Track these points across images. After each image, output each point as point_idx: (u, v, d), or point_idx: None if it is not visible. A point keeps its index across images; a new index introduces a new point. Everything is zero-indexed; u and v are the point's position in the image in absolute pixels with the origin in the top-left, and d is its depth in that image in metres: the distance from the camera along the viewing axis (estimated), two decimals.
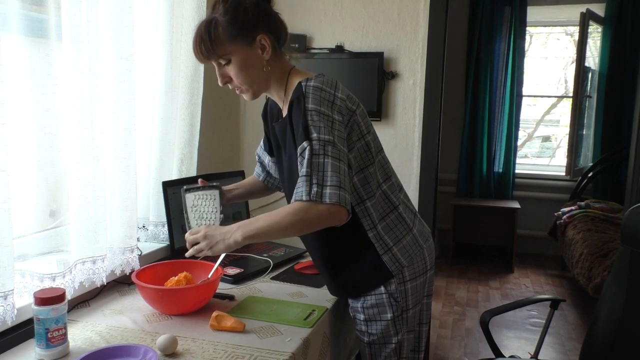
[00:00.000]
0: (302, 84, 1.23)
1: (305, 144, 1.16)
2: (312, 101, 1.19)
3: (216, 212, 1.45)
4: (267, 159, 1.61)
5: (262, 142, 1.61)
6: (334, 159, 1.15)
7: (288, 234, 1.21)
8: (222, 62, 1.27)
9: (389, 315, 1.34)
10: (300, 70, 1.34)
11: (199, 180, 1.51)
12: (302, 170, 1.16)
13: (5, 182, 1.13)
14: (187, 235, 1.32)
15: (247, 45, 1.24)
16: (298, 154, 1.19)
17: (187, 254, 1.33)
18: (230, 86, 1.32)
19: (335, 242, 1.34)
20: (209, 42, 1.23)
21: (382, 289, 1.33)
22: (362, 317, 1.37)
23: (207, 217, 1.45)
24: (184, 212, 1.45)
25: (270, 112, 1.47)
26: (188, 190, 1.45)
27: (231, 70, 1.27)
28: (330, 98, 1.22)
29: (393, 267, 1.31)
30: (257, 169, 1.66)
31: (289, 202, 1.40)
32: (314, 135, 1.16)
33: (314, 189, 1.13)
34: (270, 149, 1.56)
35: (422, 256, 1.38)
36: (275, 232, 1.20)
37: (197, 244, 1.29)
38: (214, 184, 1.50)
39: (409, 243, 1.35)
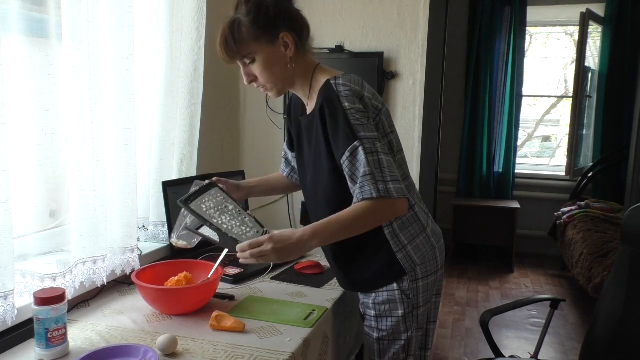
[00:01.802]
0: (332, 82, 1.25)
1: (357, 143, 1.20)
2: (347, 100, 1.22)
3: (233, 206, 1.35)
4: (290, 154, 1.61)
5: (287, 139, 1.62)
6: (384, 154, 1.21)
7: (360, 232, 1.24)
8: (247, 61, 1.29)
9: (400, 312, 1.35)
10: (326, 68, 1.36)
11: (194, 182, 1.42)
12: (361, 169, 1.19)
13: (5, 182, 1.13)
14: (244, 246, 1.20)
15: (270, 44, 1.26)
16: (347, 153, 1.21)
17: (247, 252, 1.21)
18: (255, 85, 1.34)
19: (352, 240, 1.34)
20: (233, 43, 1.25)
21: (395, 285, 1.34)
22: (372, 313, 1.38)
23: (231, 218, 1.32)
24: (202, 225, 1.28)
25: (294, 108, 1.48)
26: (188, 201, 1.30)
27: (256, 69, 1.30)
28: (361, 95, 1.26)
29: (407, 264, 1.33)
30: (282, 164, 1.66)
31: (307, 194, 1.44)
32: (361, 134, 1.20)
33: (380, 185, 1.17)
34: (291, 144, 1.56)
35: (434, 255, 1.39)
36: (349, 232, 1.23)
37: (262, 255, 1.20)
38: (205, 182, 1.40)
39: (422, 242, 1.36)
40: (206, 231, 1.29)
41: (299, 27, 1.30)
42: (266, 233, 1.27)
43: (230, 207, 1.35)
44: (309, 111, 1.37)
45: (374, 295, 1.37)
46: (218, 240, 1.27)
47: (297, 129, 1.44)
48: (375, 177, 1.18)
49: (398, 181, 1.19)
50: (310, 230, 1.21)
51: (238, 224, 1.31)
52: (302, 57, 1.32)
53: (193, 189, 1.35)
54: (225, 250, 1.40)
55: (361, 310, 1.43)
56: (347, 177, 1.24)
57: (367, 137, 1.20)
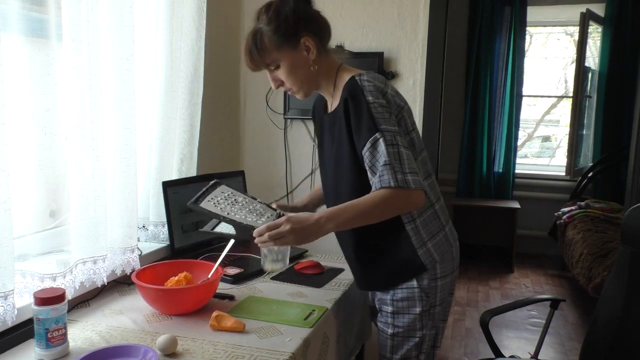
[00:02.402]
0: (356, 78, 1.29)
1: (377, 135, 1.22)
2: (371, 94, 1.26)
3: (242, 197, 1.36)
4: None
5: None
6: (404, 147, 1.23)
7: (375, 220, 1.26)
8: (272, 67, 1.34)
9: (418, 310, 1.36)
10: (349, 67, 1.39)
11: (214, 182, 1.43)
12: (381, 159, 1.21)
13: (5, 182, 1.13)
14: (262, 230, 1.22)
15: (293, 49, 1.31)
16: (368, 144, 1.23)
17: (265, 235, 1.22)
18: (283, 88, 1.39)
19: (373, 234, 1.36)
20: (256, 52, 1.31)
21: (415, 283, 1.35)
22: (389, 309, 1.39)
23: (242, 208, 1.34)
24: (217, 224, 1.32)
25: (317, 109, 1.52)
26: (198, 202, 1.34)
27: (281, 74, 1.35)
28: (384, 92, 1.29)
29: (427, 261, 1.34)
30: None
31: (328, 192, 1.46)
32: (383, 126, 1.23)
33: (399, 176, 1.19)
34: None
35: (452, 256, 1.41)
36: (364, 219, 1.24)
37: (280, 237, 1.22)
38: (210, 183, 1.42)
39: (441, 240, 1.38)
40: (222, 227, 1.32)
41: (319, 30, 1.34)
42: (280, 215, 1.29)
43: (240, 199, 1.37)
44: (332, 109, 1.40)
45: (392, 291, 1.38)
46: (235, 233, 1.30)
47: (320, 127, 1.48)
48: (394, 168, 1.20)
49: (416, 174, 1.21)
50: (327, 214, 1.23)
51: (251, 211, 1.33)
52: (325, 58, 1.37)
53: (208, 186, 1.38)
54: (226, 250, 1.42)
55: (377, 305, 1.45)
56: (367, 169, 1.25)
57: (388, 130, 1.23)
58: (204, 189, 1.38)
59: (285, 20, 1.28)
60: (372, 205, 1.21)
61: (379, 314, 1.44)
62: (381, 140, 1.22)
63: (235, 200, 1.36)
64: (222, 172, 2.10)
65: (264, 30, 1.29)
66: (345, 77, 1.33)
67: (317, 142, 1.52)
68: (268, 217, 1.33)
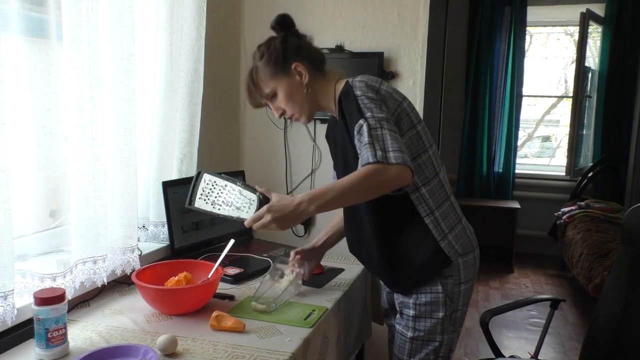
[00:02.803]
0: (349, 81, 1.34)
1: (361, 121, 1.23)
2: (359, 90, 1.29)
3: (224, 182, 1.37)
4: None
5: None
6: (390, 131, 1.22)
7: (359, 199, 1.25)
8: (270, 96, 1.42)
9: (441, 314, 1.37)
10: (347, 77, 1.41)
11: (221, 175, 1.43)
12: (364, 140, 1.21)
13: (5, 182, 1.13)
14: (249, 223, 1.25)
15: (286, 76, 1.38)
16: (355, 133, 1.24)
17: (252, 226, 1.25)
18: (286, 117, 1.45)
19: (394, 232, 1.37)
20: (253, 87, 1.41)
21: (440, 287, 1.36)
22: (411, 312, 1.39)
23: (228, 196, 1.36)
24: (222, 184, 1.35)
25: (330, 128, 1.57)
26: (191, 203, 1.38)
27: (281, 102, 1.41)
28: (376, 88, 1.32)
29: (451, 252, 1.35)
30: None
31: None
32: (368, 114, 1.24)
33: (379, 152, 1.18)
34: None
35: (474, 261, 1.43)
36: (347, 198, 1.23)
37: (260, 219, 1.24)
38: (196, 174, 1.41)
39: (460, 232, 1.40)
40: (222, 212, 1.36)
41: (309, 55, 1.41)
42: (261, 197, 1.29)
43: (224, 184, 1.37)
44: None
45: (415, 295, 1.39)
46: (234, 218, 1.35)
47: (333, 141, 1.51)
48: (375, 146, 1.19)
49: (400, 151, 1.19)
50: (307, 197, 1.22)
51: (237, 199, 1.34)
52: (320, 79, 1.42)
53: (222, 179, 1.38)
54: (225, 251, 1.44)
55: (397, 307, 1.45)
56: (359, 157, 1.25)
57: (374, 117, 1.23)
58: (192, 185, 1.39)
59: (275, 50, 1.38)
60: (353, 183, 1.19)
61: (399, 316, 1.44)
62: (364, 125, 1.22)
63: (221, 188, 1.37)
64: (222, 172, 2.10)
65: (258, 65, 1.40)
66: (342, 86, 1.37)
67: (332, 155, 1.55)
68: (252, 203, 1.33)
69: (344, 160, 1.41)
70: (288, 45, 1.39)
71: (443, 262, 1.35)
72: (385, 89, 1.34)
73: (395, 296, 1.47)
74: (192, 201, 1.37)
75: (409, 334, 1.40)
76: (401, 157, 1.18)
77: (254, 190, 1.32)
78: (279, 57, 1.38)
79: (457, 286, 1.38)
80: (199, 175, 1.39)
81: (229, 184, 1.36)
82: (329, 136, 1.58)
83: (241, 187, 1.34)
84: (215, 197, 1.36)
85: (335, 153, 1.51)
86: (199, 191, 1.38)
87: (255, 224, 1.23)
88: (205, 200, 1.37)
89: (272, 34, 1.42)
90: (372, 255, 1.44)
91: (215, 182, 1.38)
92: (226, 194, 1.36)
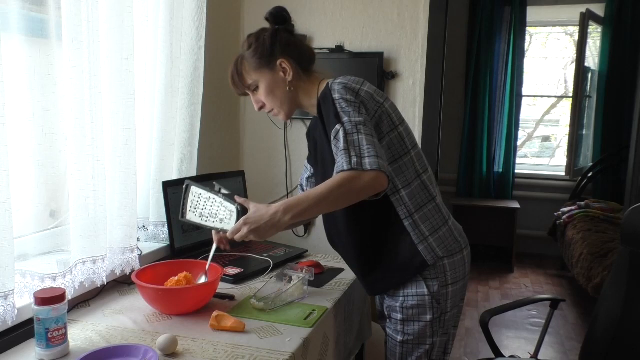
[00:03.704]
0: (329, 82, 1.33)
1: (338, 126, 1.23)
2: (337, 92, 1.28)
3: (208, 195, 1.40)
4: (306, 175, 1.65)
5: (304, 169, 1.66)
6: (367, 135, 1.21)
7: (334, 207, 1.24)
8: (252, 89, 1.42)
9: (429, 317, 1.35)
10: (330, 77, 1.40)
11: (212, 183, 1.49)
12: (340, 146, 1.21)
13: (5, 182, 1.13)
14: (230, 236, 1.28)
15: (270, 70, 1.38)
16: (332, 138, 1.24)
17: (234, 237, 1.28)
18: (265, 110, 1.45)
19: (371, 234, 1.36)
20: (237, 76, 1.41)
21: (425, 290, 1.34)
22: (399, 316, 1.38)
23: (212, 208, 1.40)
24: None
25: (311, 128, 1.55)
26: (183, 216, 1.44)
27: (261, 95, 1.41)
28: (356, 90, 1.30)
29: (429, 256, 1.33)
30: (299, 187, 1.70)
31: None
32: (345, 119, 1.23)
33: (354, 159, 1.18)
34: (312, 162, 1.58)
35: (463, 262, 1.40)
36: (322, 207, 1.22)
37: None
38: (184, 187, 1.46)
39: (445, 235, 1.36)
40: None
41: (298, 54, 1.40)
42: (239, 209, 1.32)
43: (208, 196, 1.40)
44: None
45: (402, 299, 1.37)
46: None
47: (313, 140, 1.50)
48: (350, 153, 1.18)
49: (376, 157, 1.17)
50: (283, 207, 1.22)
51: (219, 211, 1.38)
52: (304, 79, 1.41)
53: (209, 190, 1.42)
54: (211, 255, 1.48)
55: (385, 312, 1.43)
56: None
57: (350, 121, 1.22)
58: (182, 198, 1.45)
59: (262, 43, 1.37)
60: (327, 191, 1.18)
61: (388, 321, 1.43)
62: (341, 130, 1.21)
63: (206, 200, 1.41)
64: (222, 172, 2.10)
65: (245, 55, 1.39)
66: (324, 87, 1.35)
67: (312, 157, 1.53)
68: (231, 214, 1.36)
69: (322, 163, 1.40)
70: (278, 40, 1.37)
71: (419, 266, 1.33)
72: (367, 90, 1.32)
73: (383, 300, 1.46)
74: (183, 214, 1.44)
75: (399, 338, 1.39)
76: (376, 162, 1.17)
77: (233, 202, 1.35)
78: (266, 50, 1.37)
79: (443, 288, 1.35)
80: (187, 188, 1.45)
81: (212, 195, 1.40)
82: (309, 134, 1.56)
83: (222, 198, 1.38)
84: (202, 209, 1.41)
85: (314, 153, 1.50)
86: (189, 204, 1.44)
87: (235, 237, 1.25)
88: (194, 212, 1.43)
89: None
90: (348, 252, 1.44)
91: (200, 194, 1.43)
92: (211, 206, 1.40)
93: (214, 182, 1.49)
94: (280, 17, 1.39)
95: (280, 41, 1.37)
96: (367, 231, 1.36)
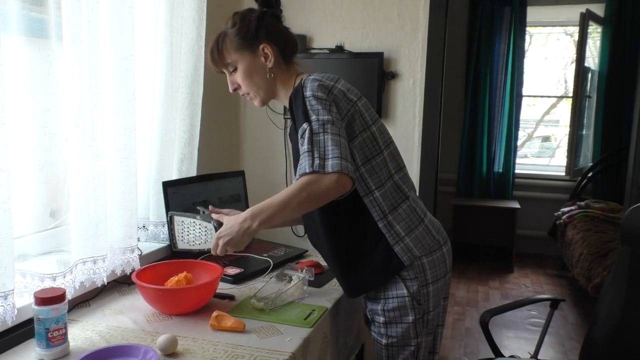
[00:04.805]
0: (304, 78, 1.31)
1: (305, 125, 1.22)
2: (309, 89, 1.26)
3: (189, 220, 1.49)
4: None
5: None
6: (333, 134, 1.20)
7: (300, 211, 1.24)
8: (230, 69, 1.39)
9: (411, 318, 1.33)
10: (307, 73, 1.38)
11: (197, 209, 1.53)
12: (304, 147, 1.20)
13: (5, 182, 1.13)
14: (213, 252, 1.33)
15: (251, 54, 1.35)
16: (299, 136, 1.23)
17: (216, 253, 1.33)
18: (240, 93, 1.42)
19: (346, 236, 1.35)
20: (217, 52, 1.38)
21: (405, 291, 1.32)
22: (381, 319, 1.36)
23: (194, 230, 1.49)
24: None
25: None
26: (176, 245, 1.54)
27: (238, 77, 1.38)
28: (329, 87, 1.28)
29: (405, 257, 1.31)
30: None
31: None
32: (313, 117, 1.22)
33: (316, 161, 1.17)
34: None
35: (443, 258, 1.38)
36: (287, 212, 1.21)
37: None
38: (168, 218, 1.57)
39: (421, 233, 1.34)
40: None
41: (282, 42, 1.37)
42: (215, 225, 1.39)
43: (190, 221, 1.49)
44: None
45: (382, 301, 1.35)
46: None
47: (291, 139, 1.48)
48: (313, 154, 1.17)
49: (339, 158, 1.16)
50: (250, 214, 1.23)
51: (201, 232, 1.46)
52: (285, 69, 1.39)
53: (195, 216, 1.49)
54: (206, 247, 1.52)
55: (369, 316, 1.42)
56: None
57: (318, 120, 1.21)
58: (169, 230, 1.54)
59: (247, 24, 1.34)
60: (291, 196, 1.18)
61: (372, 324, 1.41)
62: (307, 130, 1.20)
63: (189, 227, 1.49)
64: (222, 172, 2.10)
65: (228, 33, 1.36)
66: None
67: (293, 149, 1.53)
68: (212, 234, 1.42)
69: (294, 156, 1.38)
70: (264, 23, 1.34)
71: (396, 267, 1.31)
72: (340, 87, 1.30)
73: (366, 304, 1.43)
74: (175, 245, 1.51)
75: (384, 341, 1.37)
76: (339, 164, 1.15)
77: (209, 220, 1.40)
78: (250, 32, 1.34)
79: (424, 288, 1.33)
80: (170, 219, 1.52)
81: (192, 220, 1.47)
82: (291, 134, 1.53)
83: (201, 220, 1.44)
84: (187, 235, 1.48)
85: (293, 151, 1.46)
86: (177, 234, 1.51)
87: (217, 251, 1.29)
88: (183, 240, 1.50)
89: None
90: (326, 254, 1.43)
91: (183, 221, 1.49)
92: (194, 230, 1.47)
93: (198, 207, 1.51)
94: (269, 0, 1.37)
95: (266, 25, 1.35)
96: (342, 233, 1.35)
